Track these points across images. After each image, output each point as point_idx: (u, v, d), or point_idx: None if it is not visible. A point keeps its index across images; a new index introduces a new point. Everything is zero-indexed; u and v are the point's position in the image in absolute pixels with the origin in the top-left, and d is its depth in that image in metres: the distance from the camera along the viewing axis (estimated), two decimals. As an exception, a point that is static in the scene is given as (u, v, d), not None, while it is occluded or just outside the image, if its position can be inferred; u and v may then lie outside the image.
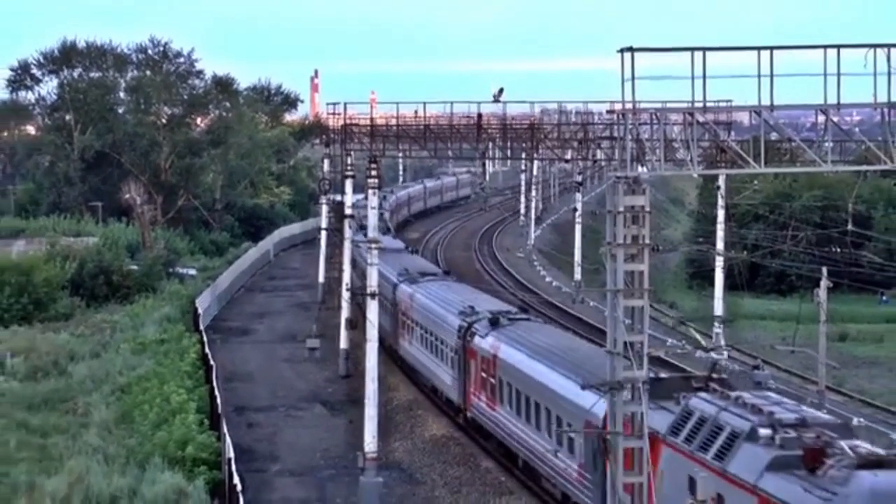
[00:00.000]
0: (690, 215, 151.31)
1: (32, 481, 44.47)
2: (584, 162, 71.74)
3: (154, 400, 53.85)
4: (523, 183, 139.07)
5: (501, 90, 56.14)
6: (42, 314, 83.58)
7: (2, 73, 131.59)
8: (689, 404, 32.79)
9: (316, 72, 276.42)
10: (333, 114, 67.21)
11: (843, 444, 28.13)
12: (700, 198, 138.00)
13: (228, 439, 45.71)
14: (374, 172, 49.36)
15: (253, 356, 73.12)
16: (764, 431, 29.39)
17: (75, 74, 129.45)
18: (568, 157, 53.38)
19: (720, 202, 69.53)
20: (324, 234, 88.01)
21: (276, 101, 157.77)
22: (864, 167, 35.82)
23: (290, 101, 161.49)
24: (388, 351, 67.41)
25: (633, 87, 26.43)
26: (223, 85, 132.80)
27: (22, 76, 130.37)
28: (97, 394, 59.57)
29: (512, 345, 47.69)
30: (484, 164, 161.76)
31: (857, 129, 33.02)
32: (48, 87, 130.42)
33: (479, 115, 52.49)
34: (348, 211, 65.82)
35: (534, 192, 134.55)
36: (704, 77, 26.50)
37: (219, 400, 53.04)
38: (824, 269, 58.35)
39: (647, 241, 27.47)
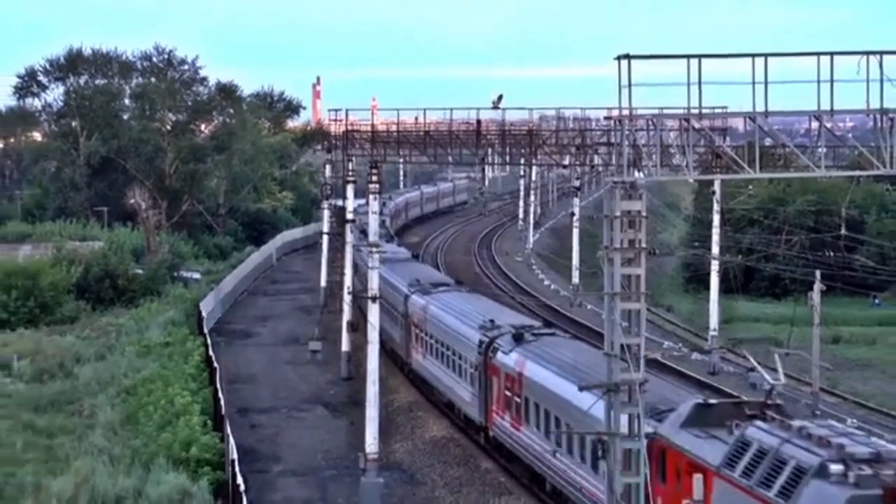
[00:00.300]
0: (686, 220, 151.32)
1: (39, 482, 44.47)
2: (582, 167, 71.84)
3: (159, 402, 53.82)
4: (522, 188, 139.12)
5: (500, 97, 56.20)
6: (48, 317, 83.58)
7: (9, 80, 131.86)
8: (745, 434, 29.66)
9: (318, 79, 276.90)
10: (335, 120, 67.26)
11: None
12: (696, 202, 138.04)
13: (232, 440, 45.72)
14: (375, 178, 49.36)
15: (256, 358, 73.09)
16: (835, 468, 26.36)
17: (81, 81, 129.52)
18: (566, 162, 53.43)
19: (716, 207, 69.54)
20: (326, 238, 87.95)
21: (278, 107, 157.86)
22: (857, 172, 35.77)
23: (293, 108, 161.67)
24: (400, 364, 66.05)
25: (629, 94, 26.45)
26: (227, 92, 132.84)
27: (29, 83, 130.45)
28: (102, 396, 59.54)
29: (539, 362, 44.47)
30: (483, 170, 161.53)
31: (850, 135, 33.10)
32: (54, 93, 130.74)
33: (479, 122, 52.46)
34: (350, 215, 65.79)
35: (532, 197, 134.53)
36: (700, 84, 26.53)
37: (222, 402, 53.06)
38: (818, 273, 58.36)
39: (644, 245, 27.47)
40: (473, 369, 51.12)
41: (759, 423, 30.07)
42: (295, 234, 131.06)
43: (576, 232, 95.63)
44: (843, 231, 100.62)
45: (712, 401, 33.74)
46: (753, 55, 26.60)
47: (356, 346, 63.50)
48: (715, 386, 61.28)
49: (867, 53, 26.73)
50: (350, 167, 62.74)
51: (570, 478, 40.22)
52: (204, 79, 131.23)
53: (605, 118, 45.30)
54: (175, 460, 45.36)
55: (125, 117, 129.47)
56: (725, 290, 75.94)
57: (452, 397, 55.33)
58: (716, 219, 69.45)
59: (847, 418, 56.80)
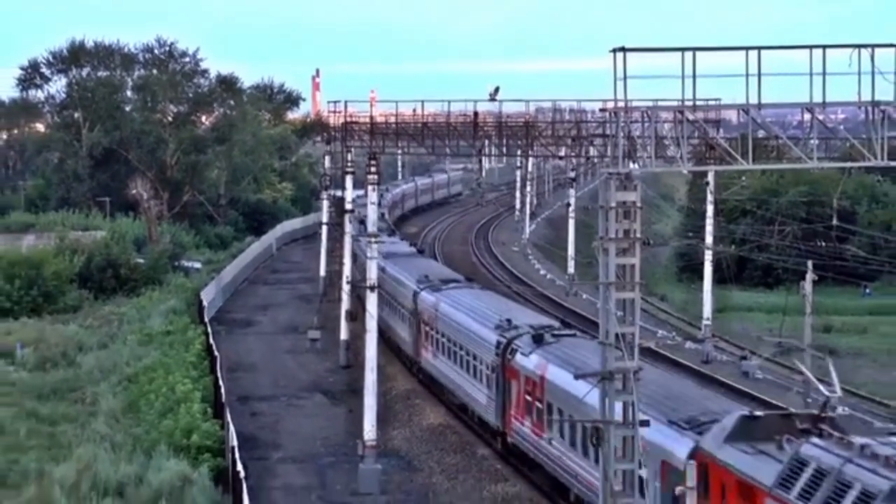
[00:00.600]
0: (680, 210, 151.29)
1: (42, 468, 44.52)
2: (578, 159, 71.77)
3: (160, 390, 53.83)
4: (518, 179, 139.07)
5: (497, 89, 56.19)
6: (51, 306, 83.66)
7: (12, 72, 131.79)
8: (800, 452, 27.06)
9: (317, 71, 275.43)
10: (334, 112, 67.13)
11: None
12: (689, 193, 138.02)
13: (232, 428, 45.73)
14: (373, 169, 49.35)
15: (256, 347, 73.10)
16: None
17: (84, 73, 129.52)
18: (562, 154, 53.32)
19: (709, 198, 69.53)
20: (325, 228, 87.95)
21: (278, 99, 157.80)
22: (848, 164, 35.76)
23: (293, 100, 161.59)
24: (408, 362, 64.10)
25: (625, 87, 26.40)
26: (227, 84, 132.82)
27: (32, 75, 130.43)
28: (105, 384, 59.58)
29: (562, 366, 41.20)
30: (480, 161, 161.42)
31: (841, 127, 33.01)
32: (57, 85, 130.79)
33: (476, 114, 52.39)
34: (348, 206, 65.76)
35: (528, 188, 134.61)
36: (694, 76, 26.49)
37: (223, 389, 53.05)
38: (810, 263, 58.39)
39: (639, 235, 27.43)
40: (490, 371, 48.29)
41: (815, 439, 27.52)
42: (294, 224, 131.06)
43: (571, 222, 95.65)
44: (834, 221, 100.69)
45: (759, 413, 30.98)
46: (747, 48, 26.57)
47: (355, 335, 63.46)
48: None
49: (859, 47, 26.70)
50: (349, 158, 62.70)
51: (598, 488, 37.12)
52: (205, 71, 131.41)
53: (601, 110, 45.22)
54: (176, 447, 45.36)
55: (127, 109, 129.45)
56: (719, 279, 75.91)
57: (466, 399, 52.56)
58: (709, 209, 69.45)
59: (839, 406, 56.84)
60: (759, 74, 26.61)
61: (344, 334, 66.28)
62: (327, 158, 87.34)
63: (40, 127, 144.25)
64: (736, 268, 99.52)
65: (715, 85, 27.43)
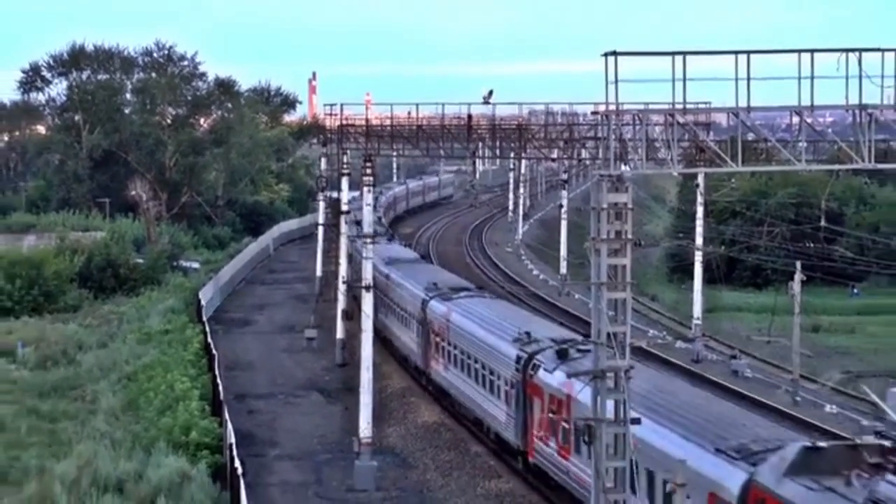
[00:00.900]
0: (671, 212, 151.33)
1: (42, 465, 44.51)
2: (570, 161, 71.80)
3: (159, 387, 53.82)
4: (512, 181, 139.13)
5: (491, 92, 55.96)
6: (52, 306, 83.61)
7: (14, 75, 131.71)
8: (876, 492, 24.36)
9: (314, 74, 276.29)
10: (330, 114, 67.22)
11: None
12: (680, 195, 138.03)
13: (230, 425, 45.72)
14: (369, 171, 49.37)
15: (253, 346, 73.09)
16: None
17: (84, 76, 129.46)
18: (554, 156, 53.24)
19: (699, 199, 69.62)
20: (321, 229, 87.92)
21: (275, 102, 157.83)
22: (836, 166, 35.75)
23: (289, 103, 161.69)
24: (416, 373, 61.37)
25: (616, 90, 26.43)
26: (225, 87, 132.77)
27: (33, 78, 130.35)
28: (104, 381, 59.56)
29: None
30: (474, 163, 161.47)
31: (829, 130, 33.05)
32: (58, 88, 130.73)
33: (470, 116, 52.31)
34: (344, 207, 65.76)
35: (522, 190, 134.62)
36: (685, 80, 26.51)
37: (220, 388, 53.05)
38: (798, 264, 58.51)
39: (630, 236, 27.46)
40: (509, 387, 45.19)
41: (891, 476, 24.81)
42: (291, 225, 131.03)
43: (564, 223, 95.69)
44: (822, 223, 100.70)
45: (822, 443, 27.95)
46: (736, 52, 26.60)
47: (350, 334, 63.48)
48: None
49: (846, 51, 26.74)
50: (345, 160, 62.69)
51: None
52: (203, 74, 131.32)
53: (593, 113, 45.23)
54: (175, 444, 45.36)
55: (126, 111, 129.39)
56: (709, 279, 76.02)
57: (482, 415, 49.26)
58: (699, 211, 69.55)
59: (826, 404, 56.98)
60: (749, 78, 26.65)
61: (340, 333, 66.32)
62: (323, 160, 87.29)
63: (41, 129, 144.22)
64: (725, 268, 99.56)
65: (705, 88, 27.48)
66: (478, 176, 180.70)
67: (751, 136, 30.06)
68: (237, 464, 40.02)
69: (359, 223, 58.41)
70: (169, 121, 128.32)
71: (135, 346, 66.77)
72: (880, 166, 28.82)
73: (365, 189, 49.51)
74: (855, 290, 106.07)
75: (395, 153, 61.89)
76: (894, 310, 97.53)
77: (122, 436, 48.08)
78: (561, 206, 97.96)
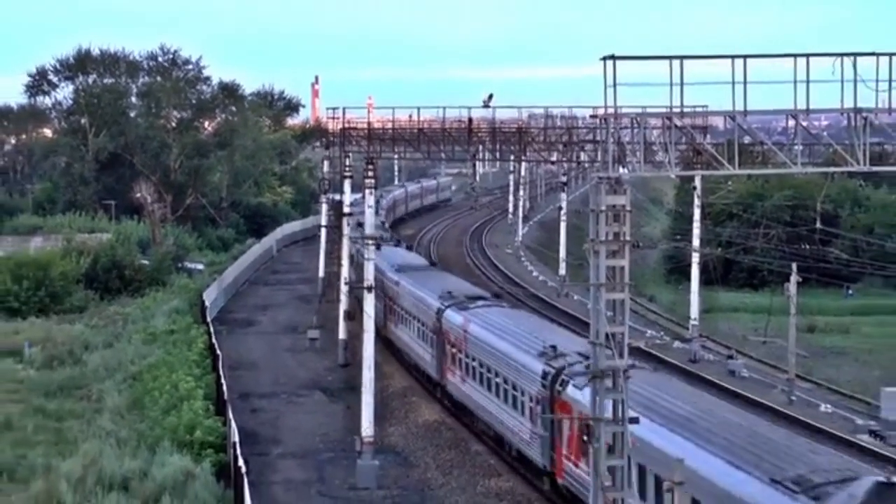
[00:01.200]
0: (668, 214, 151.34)
1: (49, 463, 44.50)
2: (569, 163, 71.74)
3: (164, 387, 53.80)
4: (511, 183, 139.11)
5: (491, 96, 55.91)
6: (58, 306, 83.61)
7: (21, 79, 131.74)
8: None
9: (316, 78, 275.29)
10: (333, 118, 67.20)
11: None
12: (677, 197, 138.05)
13: (234, 424, 45.72)
14: (371, 173, 49.36)
15: (257, 346, 73.08)
16: None
17: (90, 80, 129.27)
18: (553, 158, 53.25)
19: (696, 202, 69.55)
20: (324, 231, 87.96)
21: (279, 105, 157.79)
22: (831, 169, 35.75)
23: (292, 106, 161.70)
24: (432, 383, 58.79)
25: (615, 94, 26.40)
26: (229, 90, 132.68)
27: (39, 82, 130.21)
28: (110, 381, 59.55)
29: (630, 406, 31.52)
30: (474, 166, 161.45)
31: (825, 133, 33.00)
32: (64, 92, 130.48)
33: (470, 120, 52.35)
34: (346, 209, 65.77)
35: (521, 192, 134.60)
36: (682, 84, 26.48)
37: (224, 387, 53.03)
38: (794, 265, 58.50)
39: (628, 238, 27.44)
40: (535, 403, 42.79)
41: None
42: (294, 226, 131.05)
43: (563, 225, 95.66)
44: (818, 225, 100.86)
45: None
46: (733, 56, 26.57)
47: (353, 335, 63.45)
48: (739, 392, 54.91)
49: (842, 55, 26.72)
50: (347, 163, 62.69)
51: None
52: (207, 78, 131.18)
53: (591, 116, 45.18)
54: (179, 443, 45.35)
55: (132, 115, 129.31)
56: (705, 281, 75.98)
57: (503, 431, 46.78)
58: (696, 213, 69.49)
59: (821, 404, 56.96)
60: (745, 82, 26.63)
61: (342, 334, 66.32)
62: (326, 163, 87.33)
63: (48, 132, 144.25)
64: (722, 269, 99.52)
65: (702, 92, 27.42)
66: (478, 178, 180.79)
67: (747, 140, 30.05)
68: (241, 462, 39.99)
69: (362, 226, 58.40)
70: (174, 124, 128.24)
71: (140, 346, 66.76)
72: (875, 169, 28.83)
73: (367, 191, 49.49)
74: (849, 291, 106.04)
75: (396, 156, 61.88)
76: (888, 310, 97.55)
77: (128, 435, 48.08)
78: (560, 208, 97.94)
